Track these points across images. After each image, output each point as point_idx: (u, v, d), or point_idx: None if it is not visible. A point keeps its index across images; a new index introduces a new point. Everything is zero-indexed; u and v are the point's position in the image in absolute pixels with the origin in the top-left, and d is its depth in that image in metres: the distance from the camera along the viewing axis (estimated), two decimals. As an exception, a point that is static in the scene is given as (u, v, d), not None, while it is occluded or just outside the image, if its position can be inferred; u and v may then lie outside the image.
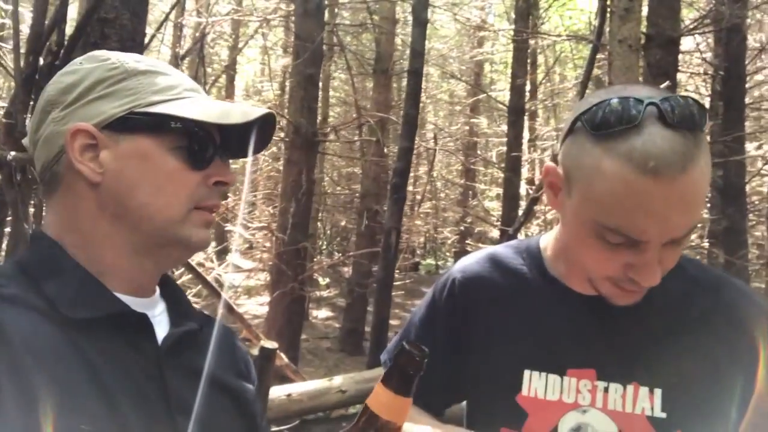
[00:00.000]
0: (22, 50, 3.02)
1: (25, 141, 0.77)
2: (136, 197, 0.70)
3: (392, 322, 8.54)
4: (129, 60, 0.74)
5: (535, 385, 0.89)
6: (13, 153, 2.72)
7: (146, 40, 5.69)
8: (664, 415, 0.84)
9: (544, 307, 0.93)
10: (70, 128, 0.70)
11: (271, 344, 2.85)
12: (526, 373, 0.90)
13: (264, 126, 0.78)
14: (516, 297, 0.95)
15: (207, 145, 0.74)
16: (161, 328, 0.74)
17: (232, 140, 0.78)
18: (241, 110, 0.75)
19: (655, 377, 0.86)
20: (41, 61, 2.93)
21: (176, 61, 8.56)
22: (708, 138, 0.88)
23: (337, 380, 3.54)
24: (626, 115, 0.73)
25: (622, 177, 0.73)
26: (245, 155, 0.80)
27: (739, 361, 0.85)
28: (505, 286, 0.96)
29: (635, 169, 0.72)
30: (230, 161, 0.81)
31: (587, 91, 4.31)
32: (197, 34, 8.95)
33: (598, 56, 5.54)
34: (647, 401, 0.85)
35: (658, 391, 0.85)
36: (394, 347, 1.07)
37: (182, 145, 0.72)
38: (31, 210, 2.83)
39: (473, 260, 1.02)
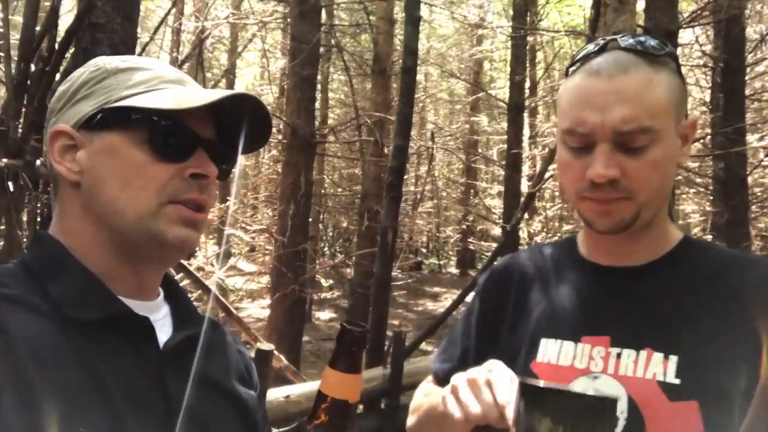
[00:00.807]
0: (14, 57, 3.02)
1: None
2: (108, 193, 0.70)
3: (393, 321, 8.54)
4: (114, 61, 0.74)
5: (549, 351, 0.92)
6: (5, 160, 2.72)
7: (142, 45, 5.70)
8: (677, 381, 0.82)
9: (566, 280, 0.97)
10: (50, 130, 0.72)
11: (268, 346, 2.84)
12: (543, 341, 0.93)
13: (263, 120, 0.76)
14: (544, 277, 1.00)
15: (179, 136, 0.71)
16: (164, 331, 0.73)
17: (230, 136, 0.75)
18: (204, 94, 0.72)
19: (671, 344, 0.85)
20: (32, 67, 2.94)
21: (175, 66, 8.59)
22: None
23: (336, 381, 3.52)
24: (593, 47, 0.89)
25: (575, 83, 0.88)
26: (245, 151, 0.78)
27: (751, 347, 0.82)
28: (537, 270, 1.02)
29: (584, 74, 0.87)
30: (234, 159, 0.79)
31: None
32: (195, 39, 8.96)
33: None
34: (660, 367, 0.84)
35: (673, 358, 0.84)
36: (441, 351, 1.11)
37: (150, 137, 0.70)
38: (25, 217, 2.83)
39: (514, 253, 1.11)
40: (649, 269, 0.91)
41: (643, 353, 0.85)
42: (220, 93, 0.71)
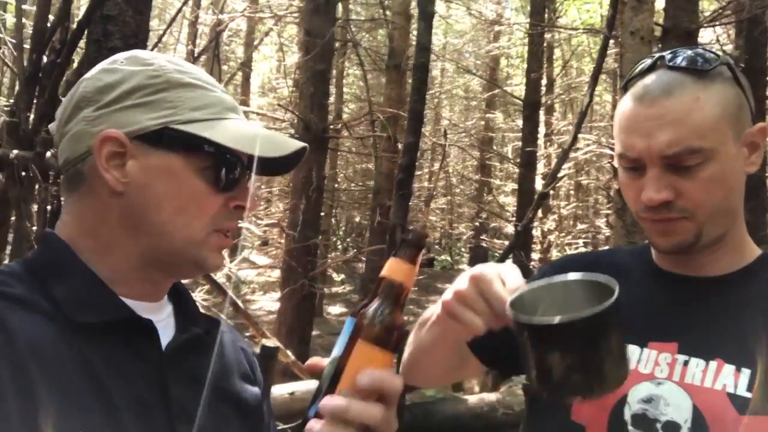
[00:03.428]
0: (26, 48, 3.04)
1: (52, 127, 0.75)
2: (159, 214, 0.69)
3: (404, 318, 8.51)
4: (172, 69, 0.72)
5: None
6: (16, 151, 2.74)
7: (158, 36, 5.72)
8: (749, 395, 0.79)
9: (636, 285, 0.94)
10: (102, 133, 0.68)
11: (273, 342, 2.84)
12: None
13: (298, 158, 0.77)
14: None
15: (235, 169, 0.73)
16: (167, 332, 0.73)
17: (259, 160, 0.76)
18: (277, 142, 0.74)
19: (744, 357, 0.82)
20: (44, 59, 2.95)
21: (191, 58, 8.61)
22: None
23: (342, 378, 3.51)
24: (644, 65, 0.89)
25: (623, 108, 0.89)
26: (271, 174, 0.81)
27: None
28: (604, 271, 0.98)
29: (632, 98, 0.87)
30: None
31: (598, 83, 4.21)
32: (211, 31, 8.98)
33: (614, 49, 5.41)
34: (731, 378, 0.81)
35: (746, 371, 0.81)
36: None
37: (210, 166, 0.71)
38: (35, 208, 2.85)
39: (581, 252, 1.14)
40: (726, 281, 0.89)
41: (713, 363, 0.82)
42: (293, 145, 0.73)
